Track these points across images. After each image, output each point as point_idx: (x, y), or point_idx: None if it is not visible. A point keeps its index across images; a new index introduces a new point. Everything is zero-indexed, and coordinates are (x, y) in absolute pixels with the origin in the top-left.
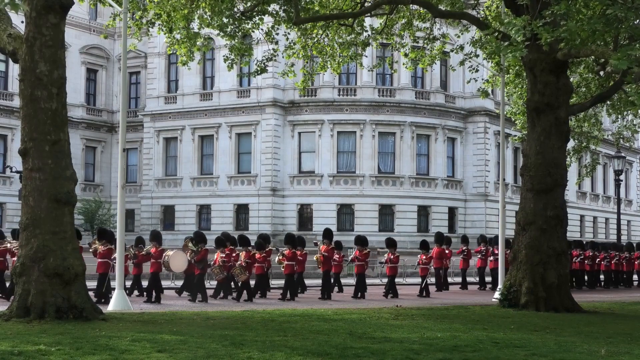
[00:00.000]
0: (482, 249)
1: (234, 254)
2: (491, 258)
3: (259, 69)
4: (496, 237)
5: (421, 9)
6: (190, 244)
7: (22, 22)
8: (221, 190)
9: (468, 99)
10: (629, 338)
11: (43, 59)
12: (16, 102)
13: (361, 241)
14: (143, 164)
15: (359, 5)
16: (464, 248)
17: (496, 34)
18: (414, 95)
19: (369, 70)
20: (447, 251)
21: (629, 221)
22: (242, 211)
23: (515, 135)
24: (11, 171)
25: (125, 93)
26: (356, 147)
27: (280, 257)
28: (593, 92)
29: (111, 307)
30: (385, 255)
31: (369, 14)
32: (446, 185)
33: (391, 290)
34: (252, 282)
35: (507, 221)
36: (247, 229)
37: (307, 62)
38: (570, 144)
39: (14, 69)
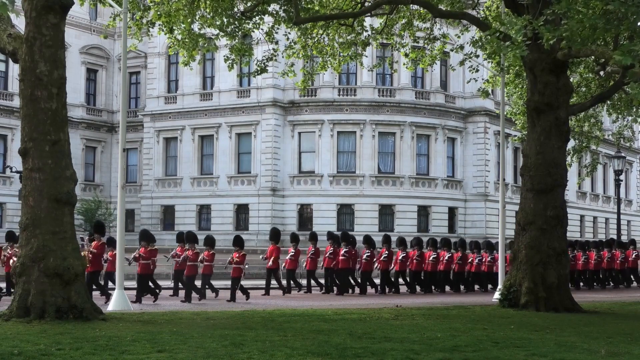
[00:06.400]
0: (330, 248)
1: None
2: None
3: (259, 69)
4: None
5: (421, 9)
6: None
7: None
8: (221, 190)
9: (468, 99)
10: (629, 338)
11: (43, 59)
12: (16, 102)
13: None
14: (143, 164)
15: (359, 5)
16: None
17: (497, 34)
18: (414, 95)
19: (369, 70)
20: (293, 250)
21: (629, 221)
22: (242, 211)
23: (515, 135)
24: (11, 171)
25: (125, 93)
26: (356, 147)
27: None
28: (593, 92)
29: (111, 307)
30: (231, 255)
31: (369, 14)
32: (446, 185)
33: (232, 293)
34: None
35: (507, 221)
36: (247, 229)
37: (307, 62)
38: (571, 144)
39: (14, 69)
